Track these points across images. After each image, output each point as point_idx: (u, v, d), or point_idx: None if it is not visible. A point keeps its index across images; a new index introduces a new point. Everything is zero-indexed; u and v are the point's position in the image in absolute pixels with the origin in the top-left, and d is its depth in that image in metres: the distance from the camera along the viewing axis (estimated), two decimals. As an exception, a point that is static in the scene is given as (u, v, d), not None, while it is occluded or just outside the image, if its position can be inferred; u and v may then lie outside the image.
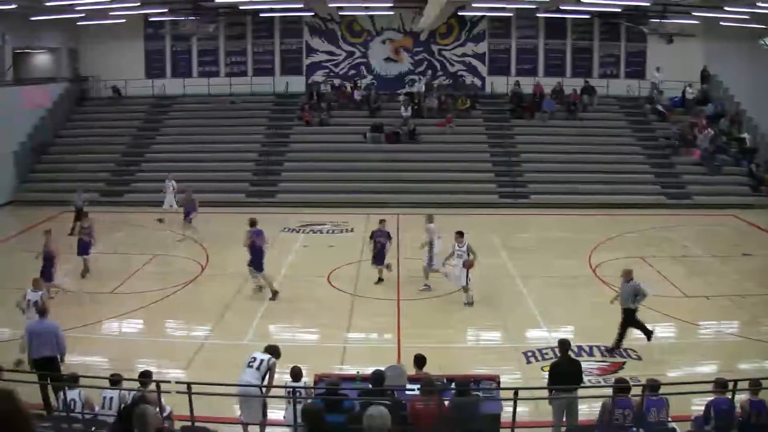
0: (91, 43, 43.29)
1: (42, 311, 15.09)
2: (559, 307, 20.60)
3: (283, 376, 13.20)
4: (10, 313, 20.80)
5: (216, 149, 38.37)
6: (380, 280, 22.79)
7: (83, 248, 23.73)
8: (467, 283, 20.60)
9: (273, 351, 13.27)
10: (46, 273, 20.51)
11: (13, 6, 31.27)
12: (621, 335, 17.24)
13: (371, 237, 22.73)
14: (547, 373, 13.56)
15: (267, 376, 12.88)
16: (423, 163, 36.71)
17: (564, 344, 13.30)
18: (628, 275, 17.40)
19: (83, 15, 37.48)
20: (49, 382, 13.45)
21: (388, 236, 22.71)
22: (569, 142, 37.62)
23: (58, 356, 14.63)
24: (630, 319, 17.29)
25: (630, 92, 41.61)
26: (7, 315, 20.93)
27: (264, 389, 12.83)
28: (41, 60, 44.19)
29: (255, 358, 12.93)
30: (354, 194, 34.17)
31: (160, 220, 30.60)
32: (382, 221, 23.21)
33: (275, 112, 41.54)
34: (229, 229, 25.93)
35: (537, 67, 42.78)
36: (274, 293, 21.46)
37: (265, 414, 12.96)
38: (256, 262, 21.39)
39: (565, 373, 12.84)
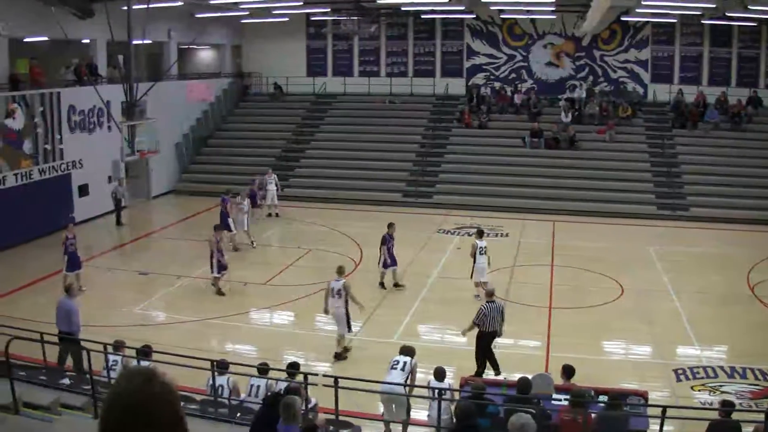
0: (254, 41, 45.05)
1: (66, 289, 16.35)
2: (714, 326, 20.05)
3: (427, 376, 13.53)
4: (172, 296, 22.16)
5: (374, 148, 39.21)
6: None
7: (76, 262, 21.88)
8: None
9: (411, 351, 13.67)
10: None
11: (180, 3, 32.69)
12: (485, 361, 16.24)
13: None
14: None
15: (409, 377, 13.27)
16: (581, 170, 36.13)
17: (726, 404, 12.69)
18: (490, 296, 16.56)
19: (247, 13, 38.98)
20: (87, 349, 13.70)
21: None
22: (732, 155, 36.19)
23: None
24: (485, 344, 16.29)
25: (798, 105, 39.86)
26: (170, 297, 22.22)
27: (408, 389, 13.21)
28: (205, 56, 46.22)
29: (398, 361, 13.40)
30: (510, 199, 34.07)
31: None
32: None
33: (434, 114, 41.90)
34: (384, 228, 26.30)
35: (701, 75, 41.36)
36: None
37: (409, 413, 13.34)
38: None
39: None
